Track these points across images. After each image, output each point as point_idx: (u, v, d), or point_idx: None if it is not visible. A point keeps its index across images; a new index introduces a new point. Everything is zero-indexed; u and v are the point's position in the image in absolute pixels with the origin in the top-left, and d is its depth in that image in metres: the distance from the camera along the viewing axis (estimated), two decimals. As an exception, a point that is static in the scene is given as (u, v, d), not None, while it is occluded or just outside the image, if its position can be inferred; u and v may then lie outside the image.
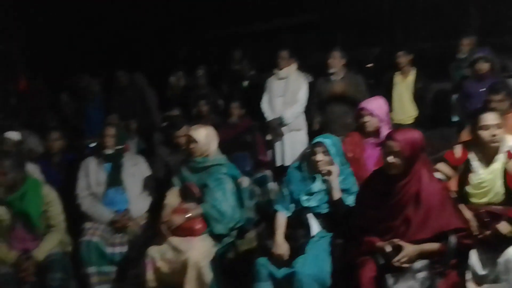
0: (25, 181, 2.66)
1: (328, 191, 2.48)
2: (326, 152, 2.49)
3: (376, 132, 2.85)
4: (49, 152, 3.39)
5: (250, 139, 3.86)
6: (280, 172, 3.77)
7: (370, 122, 2.82)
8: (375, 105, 2.89)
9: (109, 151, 3.05)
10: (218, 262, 2.63)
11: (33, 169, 3.03)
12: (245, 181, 2.98)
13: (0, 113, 5.11)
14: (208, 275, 2.48)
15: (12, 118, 4.97)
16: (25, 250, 2.58)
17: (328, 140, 2.53)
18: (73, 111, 5.03)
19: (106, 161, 3.05)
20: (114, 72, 5.02)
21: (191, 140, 2.75)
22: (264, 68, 5.10)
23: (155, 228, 2.84)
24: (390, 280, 2.00)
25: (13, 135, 3.35)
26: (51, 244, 2.64)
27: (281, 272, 2.29)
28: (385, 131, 2.80)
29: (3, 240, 2.58)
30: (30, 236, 2.64)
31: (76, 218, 2.90)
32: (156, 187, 3.15)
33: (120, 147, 3.11)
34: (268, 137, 4.04)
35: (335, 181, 2.47)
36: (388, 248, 2.04)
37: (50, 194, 2.73)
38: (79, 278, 2.69)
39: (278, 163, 3.99)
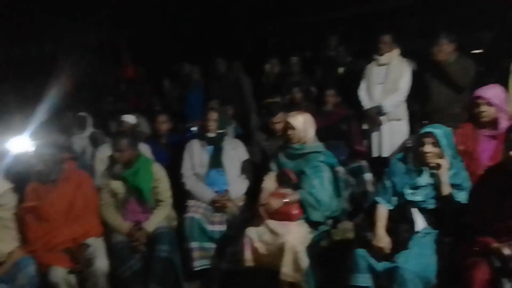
0: (138, 158, 2.92)
1: (436, 186, 2.32)
2: (436, 144, 2.32)
3: (492, 123, 2.58)
4: (156, 134, 3.66)
5: (346, 128, 3.74)
6: (376, 163, 3.63)
7: (487, 112, 2.57)
8: (493, 93, 2.61)
9: (211, 135, 3.20)
10: (313, 248, 2.64)
11: (144, 149, 3.32)
12: (340, 171, 2.92)
13: (111, 98, 5.65)
14: (304, 260, 2.49)
15: (121, 102, 5.48)
16: (137, 222, 2.84)
17: (438, 130, 2.35)
18: (175, 97, 5.38)
19: (209, 144, 3.21)
20: (212, 60, 5.25)
21: (288, 126, 2.76)
22: (359, 54, 4.93)
23: (252, 210, 2.94)
24: (507, 285, 1.83)
25: (130, 118, 3.69)
26: (159, 218, 2.88)
27: (381, 266, 2.21)
28: (504, 122, 2.53)
29: (118, 211, 2.88)
30: (141, 209, 2.90)
31: (180, 196, 3.10)
32: (253, 171, 3.25)
33: (221, 131, 3.25)
34: (365, 127, 3.88)
35: (445, 175, 2.30)
36: (507, 251, 1.86)
37: (159, 172, 2.97)
38: (182, 251, 2.88)
39: (375, 154, 3.82)
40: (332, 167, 2.78)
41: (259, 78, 5.20)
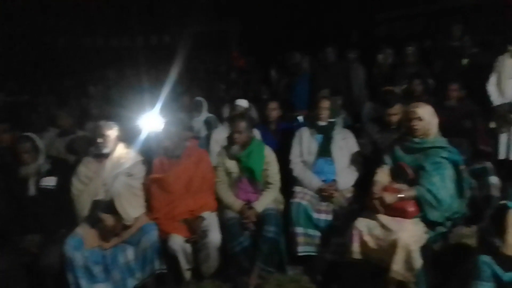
0: (252, 141, 3.05)
1: None
2: None
3: None
4: (266, 120, 3.76)
5: (470, 125, 3.41)
6: (503, 166, 3.25)
7: None
8: None
9: (322, 123, 3.18)
10: (428, 249, 2.48)
11: (256, 133, 3.44)
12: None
13: (223, 85, 5.95)
14: (418, 261, 2.36)
15: (232, 90, 5.73)
16: (248, 201, 2.97)
17: None
18: (283, 86, 5.46)
19: (318, 133, 3.20)
20: (321, 49, 5.19)
21: (415, 117, 2.61)
22: (486, 45, 4.44)
23: (361, 203, 2.88)
24: None
25: (243, 103, 3.87)
26: (268, 199, 2.97)
27: (509, 276, 2.00)
28: None
29: (231, 189, 3.04)
30: (252, 189, 3.02)
31: (288, 181, 3.15)
32: (363, 163, 3.15)
33: (332, 120, 3.21)
34: (492, 125, 3.50)
35: None
36: None
37: (270, 155, 3.06)
38: (287, 235, 2.93)
39: (502, 155, 3.44)
40: (456, 165, 2.57)
41: (370, 68, 5.00)
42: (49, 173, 2.85)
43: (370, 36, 7.28)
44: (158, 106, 3.53)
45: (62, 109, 4.46)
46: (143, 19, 8.78)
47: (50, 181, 2.82)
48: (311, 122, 3.30)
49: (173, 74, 5.52)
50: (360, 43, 6.01)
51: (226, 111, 4.40)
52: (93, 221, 2.78)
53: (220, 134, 3.64)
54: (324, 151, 3.15)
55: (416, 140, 2.63)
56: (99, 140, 2.89)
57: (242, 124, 2.96)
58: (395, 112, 3.09)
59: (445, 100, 3.58)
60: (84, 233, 2.72)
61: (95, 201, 2.82)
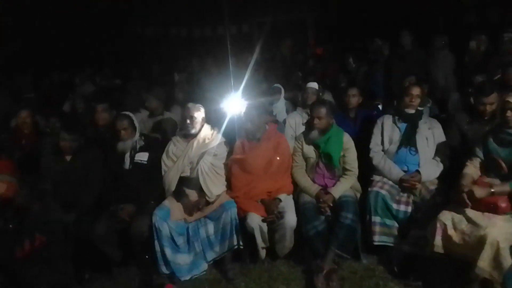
0: (331, 127, 3.04)
1: None
2: None
3: None
4: (346, 107, 3.71)
5: None
6: None
7: None
8: None
9: (410, 111, 3.06)
10: (521, 249, 2.30)
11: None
12: None
13: (301, 73, 5.95)
14: (507, 260, 2.21)
15: (310, 77, 5.71)
16: (324, 186, 2.99)
17: None
18: (362, 74, 5.32)
19: (403, 121, 3.09)
20: (400, 36, 4.97)
21: (510, 107, 2.41)
22: None
23: (445, 196, 2.74)
24: None
25: (314, 85, 3.91)
26: (346, 186, 2.96)
27: None
28: None
29: (308, 174, 3.07)
30: (329, 175, 3.03)
31: (367, 170, 3.10)
32: (450, 154, 2.99)
33: (420, 108, 3.08)
34: None
35: None
36: None
37: (349, 142, 3.04)
38: (363, 224, 2.89)
39: None
40: (559, 161, 2.33)
41: (461, 56, 4.66)
42: (142, 149, 3.13)
43: (460, 22, 6.76)
44: (240, 91, 3.65)
45: (151, 93, 4.83)
46: (224, 10, 9.06)
47: (143, 157, 3.10)
48: (396, 110, 3.18)
49: (252, 61, 5.66)
50: (448, 29, 5.62)
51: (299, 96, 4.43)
52: (179, 195, 3.00)
53: (294, 119, 3.70)
54: (408, 140, 3.04)
55: (513, 132, 2.44)
56: (187, 121, 3.09)
57: (323, 110, 2.96)
58: (491, 102, 2.86)
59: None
60: (171, 206, 2.95)
61: (182, 178, 3.04)
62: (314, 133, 2.98)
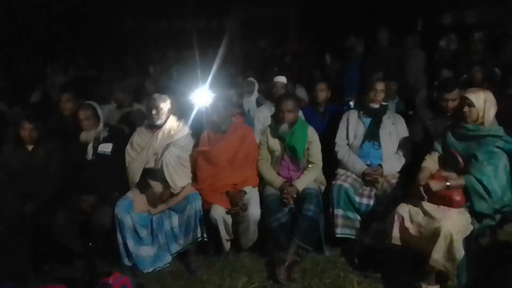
0: (296, 121, 3.06)
1: None
2: None
3: None
4: (314, 102, 3.73)
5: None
6: None
7: None
8: None
9: (375, 106, 3.10)
10: (473, 242, 2.36)
11: (299, 114, 3.43)
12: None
13: (276, 68, 5.96)
14: (460, 251, 2.27)
15: (285, 73, 5.73)
16: (288, 179, 3.01)
17: None
18: (335, 70, 5.37)
19: (368, 116, 3.12)
20: (376, 34, 5.03)
21: (466, 102, 2.47)
22: None
23: (405, 189, 2.79)
24: None
25: (282, 79, 3.96)
26: (309, 179, 2.98)
27: None
28: None
29: (273, 167, 3.08)
30: (294, 168, 3.05)
31: (331, 163, 3.13)
32: (412, 150, 3.04)
33: (385, 103, 3.12)
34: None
35: None
36: None
37: (313, 135, 3.06)
38: (326, 216, 2.92)
39: None
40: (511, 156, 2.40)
41: (432, 55, 4.76)
42: (106, 140, 3.08)
43: (435, 22, 6.89)
44: (210, 83, 3.63)
45: (120, 85, 4.77)
46: (203, 3, 9.00)
47: (107, 148, 3.05)
48: (362, 105, 3.22)
49: (229, 56, 5.64)
50: (422, 29, 5.74)
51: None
52: (143, 187, 2.97)
53: (263, 112, 3.70)
54: (372, 134, 3.08)
55: (470, 127, 2.50)
56: (153, 111, 3.05)
57: (290, 103, 2.98)
58: (453, 98, 2.92)
59: (507, 89, 3.31)
60: (134, 197, 2.91)
61: (146, 169, 3.01)
62: (284, 126, 2.98)
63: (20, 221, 2.70)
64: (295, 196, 2.90)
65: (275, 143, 3.06)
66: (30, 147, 3.04)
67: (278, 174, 3.05)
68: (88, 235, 2.83)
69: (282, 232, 2.83)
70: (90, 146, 3.05)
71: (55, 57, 6.41)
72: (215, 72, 4.36)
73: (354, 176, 3.01)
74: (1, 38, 6.75)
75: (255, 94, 4.57)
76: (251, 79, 4.68)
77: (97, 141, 3.07)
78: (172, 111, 3.16)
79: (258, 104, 4.42)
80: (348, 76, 5.00)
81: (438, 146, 2.68)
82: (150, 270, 2.84)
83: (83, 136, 3.05)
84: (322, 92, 3.65)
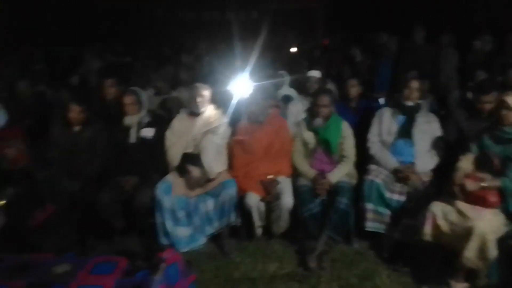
0: (331, 115, 3.13)
1: None
2: None
3: None
4: (346, 97, 3.79)
5: None
6: None
7: None
8: None
9: (409, 103, 3.14)
10: (506, 242, 2.40)
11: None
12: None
13: (306, 62, 6.00)
14: (493, 251, 2.31)
15: (315, 67, 5.77)
16: (321, 171, 3.09)
17: None
18: (366, 66, 5.38)
19: (401, 113, 3.17)
20: (411, 32, 5.02)
21: (504, 106, 2.50)
22: None
23: (438, 187, 2.84)
24: None
25: (316, 73, 4.00)
26: (342, 172, 3.06)
27: None
28: None
29: (307, 159, 3.17)
30: (327, 160, 3.13)
31: (364, 158, 3.20)
32: (445, 148, 3.08)
33: (419, 101, 3.16)
34: None
35: None
36: None
37: (347, 130, 3.14)
38: (357, 210, 3.00)
39: None
40: (549, 160, 2.42)
41: (465, 55, 4.73)
42: (148, 125, 3.22)
43: (469, 21, 6.80)
44: (247, 74, 3.73)
45: (158, 73, 4.92)
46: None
47: (149, 132, 3.19)
48: (395, 102, 3.27)
49: (260, 48, 5.71)
50: (456, 28, 5.67)
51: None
52: (182, 171, 3.10)
53: (296, 106, 3.75)
54: (405, 132, 3.12)
55: (507, 130, 2.53)
56: (195, 99, 3.18)
57: (326, 98, 3.06)
58: (490, 100, 2.94)
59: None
60: (174, 181, 3.05)
61: (185, 154, 3.14)
62: (318, 121, 3.07)
63: (69, 199, 2.87)
64: (328, 188, 2.99)
65: (309, 136, 3.15)
66: (76, 128, 3.21)
67: (311, 166, 3.14)
68: (130, 214, 2.99)
69: (314, 222, 2.93)
70: (133, 130, 3.20)
71: (92, 43, 6.61)
72: (250, 63, 4.46)
73: (386, 172, 3.07)
74: (42, 22, 6.99)
75: (285, 87, 4.63)
76: (282, 71, 4.75)
77: (140, 126, 3.21)
78: (211, 100, 3.29)
79: (286, 98, 4.48)
80: (379, 72, 5.01)
81: (473, 147, 2.72)
82: (186, 249, 2.97)
83: (127, 120, 3.20)
84: (353, 88, 3.71)
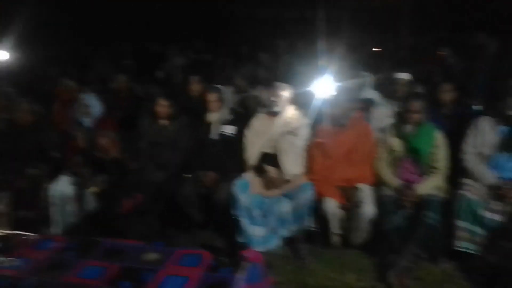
0: (422, 122, 2.91)
1: None
2: None
3: None
4: (438, 103, 3.50)
5: None
6: None
7: None
8: None
9: (514, 113, 2.82)
10: None
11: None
12: None
13: (389, 63, 5.69)
14: None
15: (401, 69, 5.44)
16: (408, 181, 2.88)
17: None
18: (460, 69, 4.95)
19: (504, 124, 2.84)
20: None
21: None
22: None
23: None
24: None
25: (405, 76, 3.74)
26: (431, 184, 2.83)
27: None
28: None
29: (392, 167, 2.97)
30: (415, 171, 2.91)
31: (457, 171, 2.93)
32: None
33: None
34: None
35: None
36: None
37: (440, 139, 2.89)
38: (446, 226, 2.75)
39: None
40: None
41: None
42: (229, 122, 3.26)
43: None
44: (329, 75, 3.61)
45: (237, 71, 4.98)
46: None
47: (230, 129, 3.24)
48: (497, 112, 2.94)
49: (341, 47, 5.54)
50: None
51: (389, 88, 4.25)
52: (259, 170, 3.09)
53: (380, 111, 3.56)
54: (508, 145, 2.80)
55: None
56: (273, 99, 3.15)
57: (418, 104, 2.85)
58: None
59: None
60: (250, 179, 3.05)
61: (263, 153, 3.13)
62: (408, 127, 2.88)
63: (155, 189, 3.01)
64: (414, 200, 2.78)
65: (396, 143, 2.95)
66: (162, 122, 3.35)
67: (397, 175, 2.94)
68: (208, 208, 3.05)
69: (397, 236, 2.74)
70: (214, 127, 3.26)
71: (175, 40, 6.92)
72: (331, 62, 4.33)
73: (482, 188, 2.78)
74: (131, 19, 7.49)
75: (368, 90, 4.42)
76: (365, 73, 4.54)
77: (221, 123, 3.26)
78: (291, 100, 3.24)
79: (368, 101, 4.27)
80: (474, 77, 4.57)
81: None
82: (260, 249, 2.96)
83: (209, 117, 3.27)
84: (447, 93, 3.41)
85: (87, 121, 3.36)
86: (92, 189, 2.99)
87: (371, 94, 4.27)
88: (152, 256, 1.79)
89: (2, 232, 2.04)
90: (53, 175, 3.15)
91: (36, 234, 2.09)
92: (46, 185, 3.10)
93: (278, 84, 3.26)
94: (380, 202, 2.84)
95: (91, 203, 3.01)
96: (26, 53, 5.76)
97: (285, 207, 3.00)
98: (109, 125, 3.32)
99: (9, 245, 1.92)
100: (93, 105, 3.42)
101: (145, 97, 4.15)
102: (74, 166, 3.09)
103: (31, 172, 3.14)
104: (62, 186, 3.08)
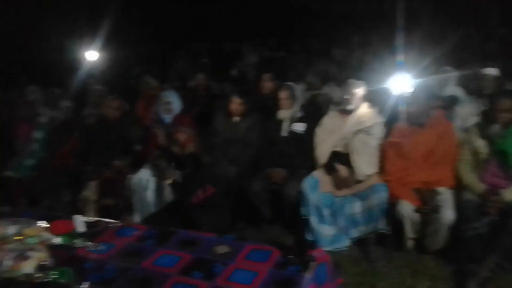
0: (512, 122, 2.65)
1: None
2: None
3: None
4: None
5: None
6: None
7: None
8: None
9: None
10: None
11: None
12: None
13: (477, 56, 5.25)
14: None
15: (489, 63, 4.99)
16: (493, 186, 2.65)
17: None
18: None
19: None
20: None
21: None
22: None
23: None
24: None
25: (493, 71, 3.48)
26: (522, 190, 2.57)
27: None
28: None
29: (476, 171, 2.75)
30: (502, 174, 2.66)
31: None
32: None
33: None
34: None
35: None
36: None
37: (532, 142, 2.60)
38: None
39: None
40: None
41: None
42: (300, 120, 3.27)
43: None
44: (406, 71, 3.43)
45: (310, 68, 4.95)
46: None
47: (300, 127, 3.24)
48: None
49: (420, 40, 5.23)
50: None
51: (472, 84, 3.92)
52: (329, 169, 3.05)
53: (465, 109, 3.34)
54: None
55: None
56: (346, 96, 3.08)
57: (509, 102, 2.60)
58: None
59: None
60: (321, 177, 3.03)
61: (334, 152, 3.08)
62: (495, 127, 2.64)
63: (227, 183, 3.12)
64: (500, 207, 2.55)
65: (481, 145, 2.73)
66: (235, 119, 3.45)
67: (481, 179, 2.72)
68: (277, 205, 3.09)
69: (478, 244, 2.54)
70: (285, 124, 3.29)
71: (249, 38, 7.06)
72: (409, 57, 4.12)
73: None
74: (207, 20, 7.80)
75: (451, 86, 4.12)
76: (447, 67, 4.24)
77: (292, 120, 3.28)
78: (365, 98, 3.14)
79: (451, 98, 3.98)
80: None
81: None
82: (329, 249, 2.93)
83: (281, 114, 3.30)
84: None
85: (168, 118, 3.56)
86: (169, 181, 3.18)
87: (455, 91, 4.00)
88: (223, 248, 1.85)
89: (90, 219, 2.21)
90: (135, 167, 3.41)
91: (119, 222, 2.24)
92: (129, 176, 3.35)
93: (350, 80, 3.18)
94: (461, 207, 2.65)
95: (168, 194, 3.21)
96: (113, 53, 6.27)
97: (356, 207, 2.93)
98: (186, 121, 3.50)
99: (95, 230, 2.08)
100: (173, 102, 3.63)
101: (220, 95, 4.31)
102: (154, 159, 3.31)
103: (117, 163, 3.42)
104: (143, 177, 3.31)
